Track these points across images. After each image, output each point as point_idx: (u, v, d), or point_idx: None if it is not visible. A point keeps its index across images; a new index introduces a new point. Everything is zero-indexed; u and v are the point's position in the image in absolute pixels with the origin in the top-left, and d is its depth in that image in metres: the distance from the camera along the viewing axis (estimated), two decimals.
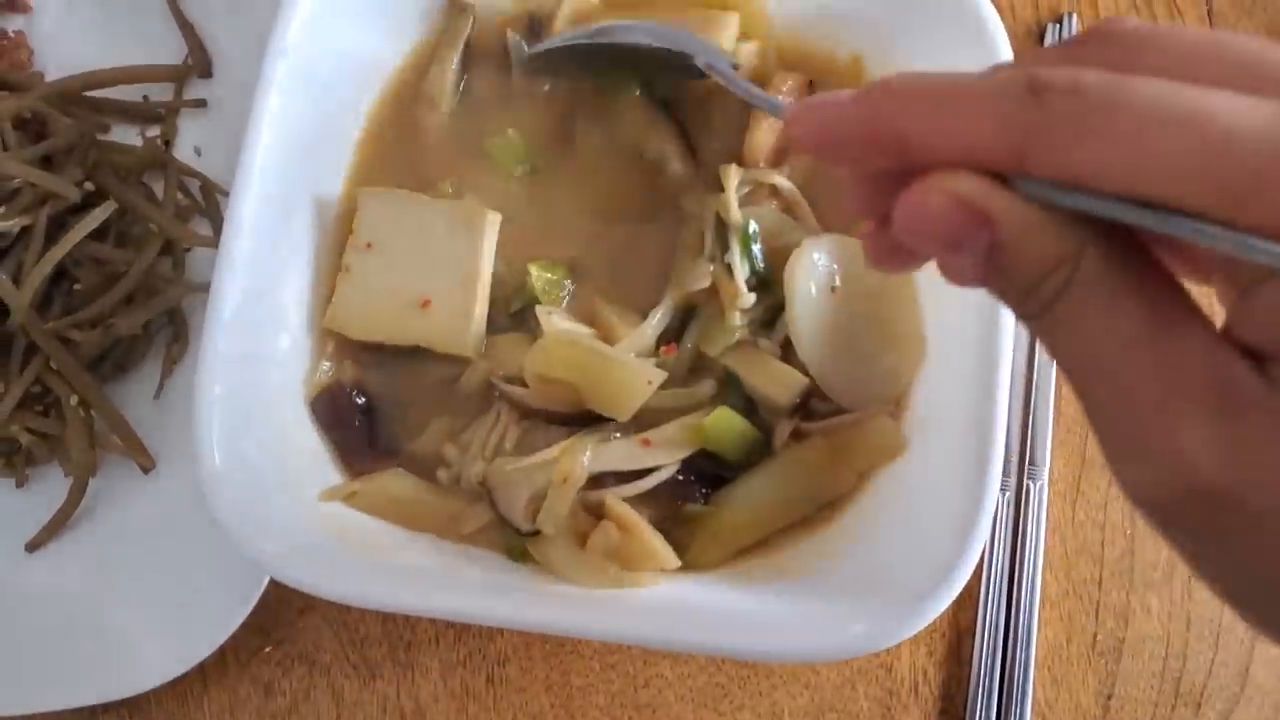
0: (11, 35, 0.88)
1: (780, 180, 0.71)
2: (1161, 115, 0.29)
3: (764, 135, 0.72)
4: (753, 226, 0.70)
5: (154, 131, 0.85)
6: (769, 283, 0.70)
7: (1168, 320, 0.31)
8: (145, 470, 0.77)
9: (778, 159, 0.73)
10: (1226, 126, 0.28)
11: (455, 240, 0.71)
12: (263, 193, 0.69)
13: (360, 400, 0.71)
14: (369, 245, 0.72)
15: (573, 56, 0.73)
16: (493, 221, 0.71)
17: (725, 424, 0.68)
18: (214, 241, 0.80)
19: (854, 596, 0.63)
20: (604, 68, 0.74)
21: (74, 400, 0.75)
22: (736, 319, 0.69)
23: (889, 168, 0.34)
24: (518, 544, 0.67)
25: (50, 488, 0.79)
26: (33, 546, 0.77)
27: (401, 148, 0.76)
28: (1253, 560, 0.31)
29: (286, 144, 0.71)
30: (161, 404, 0.80)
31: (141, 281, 0.77)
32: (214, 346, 0.66)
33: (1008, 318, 0.64)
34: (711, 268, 0.70)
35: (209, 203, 0.83)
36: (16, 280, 0.74)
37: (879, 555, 0.65)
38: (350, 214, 0.73)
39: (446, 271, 0.71)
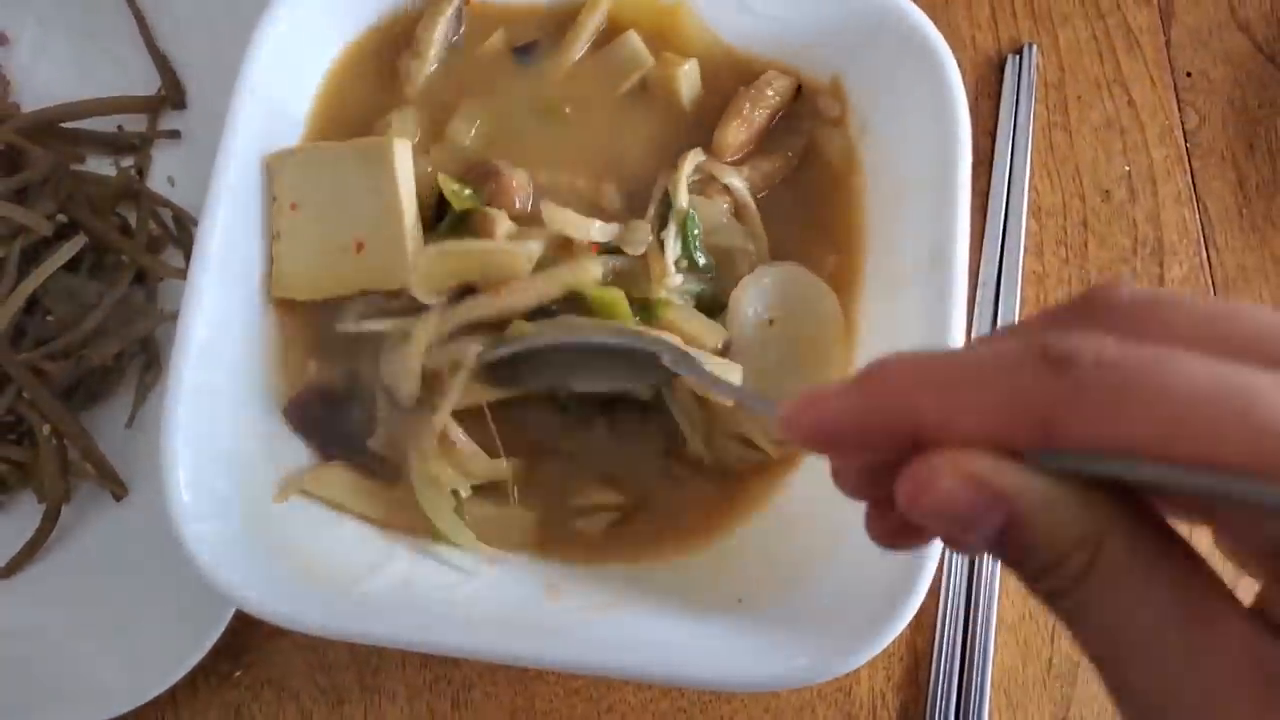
0: None
1: (735, 181, 0.73)
2: (1201, 393, 0.28)
3: (734, 132, 0.74)
4: (695, 216, 0.72)
5: (128, 162, 0.87)
6: (713, 307, 0.72)
7: (1201, 605, 0.30)
8: (118, 498, 0.79)
9: (743, 158, 0.75)
10: (1270, 404, 0.27)
11: (369, 176, 0.70)
12: (228, 225, 0.70)
13: (326, 399, 0.72)
14: (293, 206, 0.72)
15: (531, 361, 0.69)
16: (401, 147, 0.71)
17: (611, 300, 0.69)
18: (184, 273, 0.81)
19: (808, 625, 0.65)
20: (565, 372, 0.69)
21: (46, 430, 0.76)
22: (661, 294, 0.71)
23: (892, 455, 0.33)
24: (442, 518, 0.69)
25: (23, 515, 0.80)
26: (5, 573, 0.78)
27: None
28: None
29: (253, 180, 0.72)
30: (134, 432, 0.81)
31: (114, 312, 0.78)
32: (181, 378, 0.67)
33: (956, 336, 0.66)
34: (649, 240, 0.71)
35: (182, 233, 0.85)
36: None
37: (832, 584, 0.66)
38: None
39: (369, 209, 0.70)
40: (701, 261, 0.72)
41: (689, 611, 0.68)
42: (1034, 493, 0.30)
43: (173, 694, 0.75)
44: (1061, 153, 0.88)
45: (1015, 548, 0.31)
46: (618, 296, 0.70)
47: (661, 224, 0.72)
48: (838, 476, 0.37)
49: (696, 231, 0.72)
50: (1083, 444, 0.29)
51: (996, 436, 0.31)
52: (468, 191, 0.72)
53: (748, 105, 0.74)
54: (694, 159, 0.73)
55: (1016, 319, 0.82)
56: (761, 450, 0.71)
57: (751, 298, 0.71)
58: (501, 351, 0.68)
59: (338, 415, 0.73)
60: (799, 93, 0.77)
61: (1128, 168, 0.87)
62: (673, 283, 0.71)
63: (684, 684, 0.67)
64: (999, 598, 0.77)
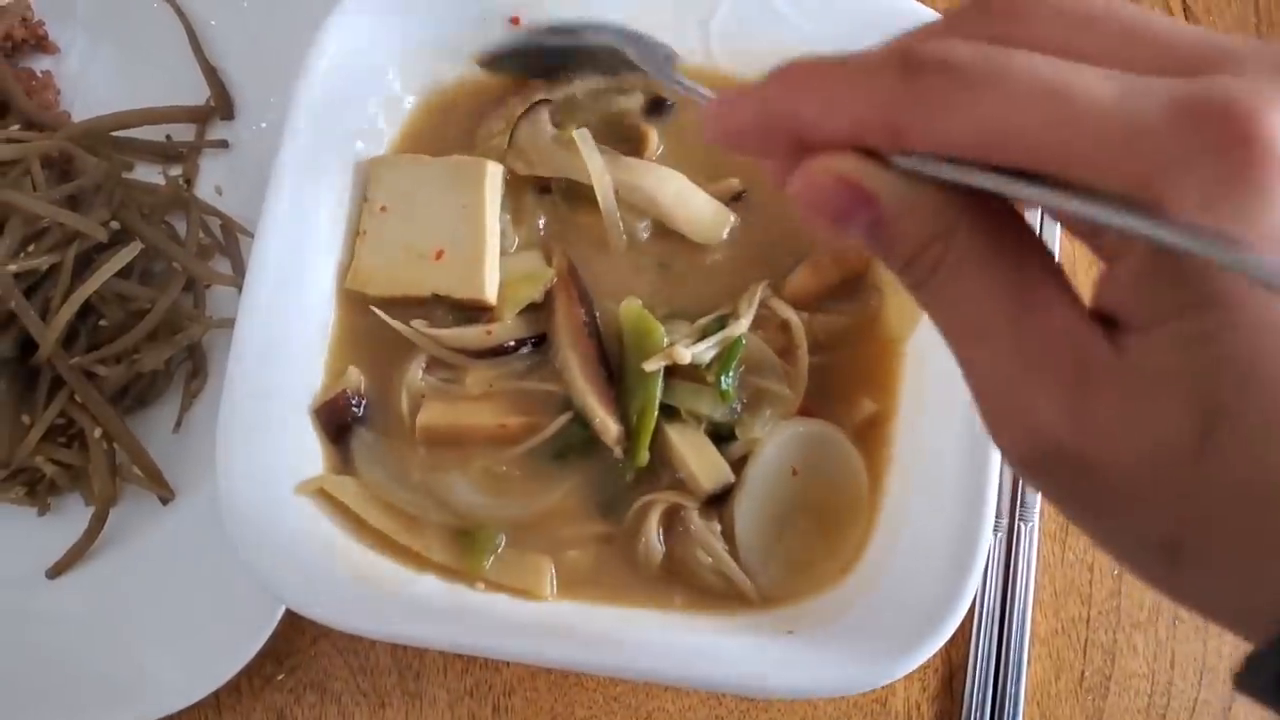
0: (39, 75, 0.90)
1: (795, 321, 0.74)
2: (1023, 90, 0.30)
3: (806, 277, 0.75)
4: (743, 343, 0.72)
5: (176, 171, 0.88)
6: (730, 434, 0.72)
7: (1035, 295, 0.33)
8: (164, 501, 0.80)
9: (810, 303, 0.75)
10: (1082, 99, 0.29)
11: (460, 192, 0.75)
12: (282, 233, 0.72)
13: (356, 405, 0.73)
14: (383, 209, 0.76)
15: (528, 59, 0.79)
16: (493, 170, 0.75)
17: (637, 318, 0.72)
18: (234, 280, 0.83)
19: (851, 637, 0.66)
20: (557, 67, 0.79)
21: (97, 433, 0.77)
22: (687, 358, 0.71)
23: (794, 152, 0.35)
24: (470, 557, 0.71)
25: (71, 517, 0.81)
26: (54, 573, 0.79)
27: None
28: (1109, 514, 0.33)
29: (305, 192, 0.73)
30: (181, 437, 0.82)
31: (164, 318, 0.79)
32: (235, 382, 0.69)
33: None
34: (691, 345, 0.72)
35: (229, 241, 0.86)
36: (44, 316, 0.76)
37: (877, 598, 0.68)
38: None
39: (455, 222, 0.75)
40: (730, 391, 0.72)
41: (734, 628, 0.69)
42: (895, 191, 0.33)
43: (216, 696, 0.76)
44: None
45: (882, 242, 0.34)
46: (655, 325, 0.72)
47: (701, 334, 0.73)
48: (773, 179, 0.38)
49: (738, 360, 0.72)
50: (925, 146, 0.32)
51: (859, 139, 0.33)
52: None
53: (826, 260, 0.75)
54: (761, 291, 0.74)
55: None
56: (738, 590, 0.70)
57: (783, 443, 0.72)
58: (502, 45, 0.78)
59: (360, 425, 0.74)
60: (872, 265, 0.77)
61: None
62: (686, 355, 0.71)
63: (724, 689, 0.69)
64: (1032, 611, 0.78)
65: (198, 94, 0.90)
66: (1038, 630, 0.78)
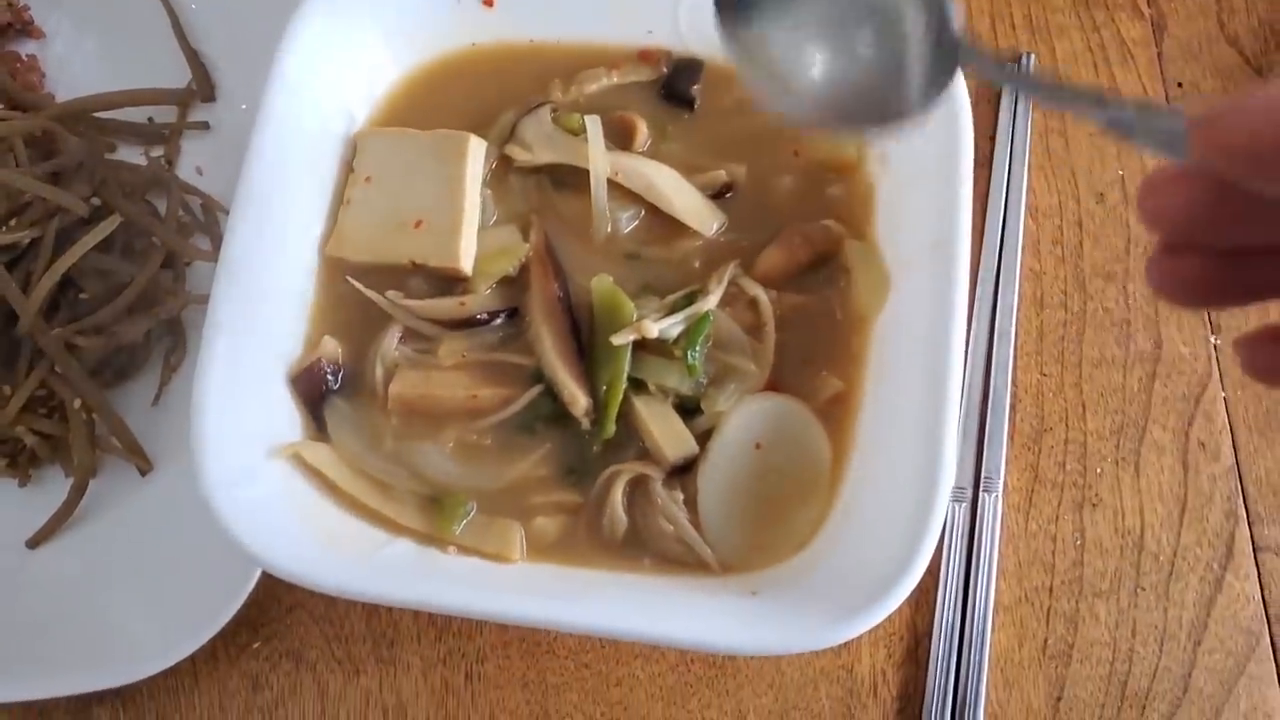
0: (24, 59, 0.92)
1: (764, 299, 0.75)
2: None
3: (776, 256, 0.77)
4: (710, 318, 0.74)
5: (158, 151, 0.90)
6: (696, 408, 0.74)
7: None
8: (143, 473, 0.81)
9: (779, 281, 0.77)
10: None
11: (443, 165, 0.77)
12: (260, 203, 0.73)
13: (332, 374, 0.75)
14: (367, 179, 0.78)
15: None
16: (475, 144, 0.78)
17: (608, 294, 0.74)
18: (213, 255, 0.84)
19: (813, 598, 0.67)
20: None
21: (77, 404, 0.79)
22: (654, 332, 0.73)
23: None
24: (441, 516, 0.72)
25: (50, 488, 0.82)
26: (34, 543, 0.80)
27: None
28: None
29: (283, 166, 0.75)
30: (159, 410, 0.84)
31: (144, 292, 0.81)
32: (212, 349, 0.70)
33: (957, 335, 0.68)
34: (659, 320, 0.73)
35: (209, 219, 0.88)
36: (25, 289, 0.78)
37: (836, 563, 0.69)
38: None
39: (436, 193, 0.77)
40: (696, 365, 0.73)
41: (698, 590, 0.70)
42: None
43: (193, 662, 0.77)
44: (1058, 157, 0.91)
45: None
46: (625, 300, 0.74)
47: (670, 310, 0.74)
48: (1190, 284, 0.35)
49: (706, 335, 0.74)
50: None
51: None
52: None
53: (798, 239, 0.77)
54: (731, 270, 0.76)
55: (1014, 312, 0.85)
56: (699, 559, 0.71)
57: (747, 417, 0.73)
58: None
59: (335, 394, 0.75)
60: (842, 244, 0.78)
61: (1121, 172, 0.91)
62: (654, 330, 0.72)
63: (689, 646, 0.70)
64: (996, 580, 0.79)
65: (180, 77, 0.92)
66: (1001, 599, 0.80)
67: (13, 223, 0.78)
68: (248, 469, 0.70)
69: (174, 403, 0.84)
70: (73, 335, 0.78)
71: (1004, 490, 0.81)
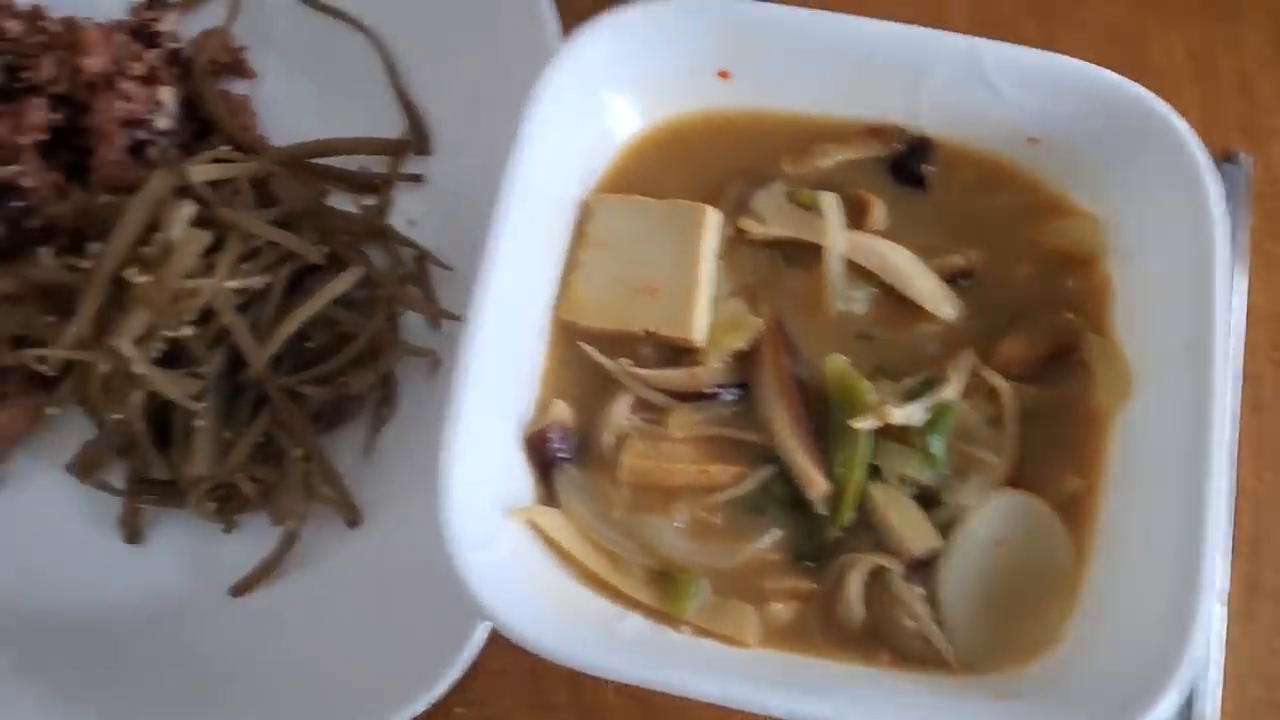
0: (237, 98, 0.92)
1: (1004, 386, 0.74)
2: None
3: (1017, 346, 0.76)
4: (953, 409, 0.73)
5: (369, 200, 0.89)
6: (934, 499, 0.72)
7: None
8: (352, 525, 0.80)
9: (1018, 372, 0.75)
10: None
11: (679, 234, 0.77)
12: (503, 265, 0.72)
13: (563, 439, 0.74)
14: (600, 244, 0.78)
15: None
16: (713, 216, 0.77)
17: (843, 375, 0.72)
18: (439, 309, 0.83)
19: (1062, 704, 0.66)
20: None
21: (298, 453, 0.78)
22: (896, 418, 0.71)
23: None
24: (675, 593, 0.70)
25: (251, 532, 0.82)
26: (238, 591, 0.79)
27: None
28: None
29: (524, 228, 0.75)
30: (366, 461, 0.83)
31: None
32: (459, 411, 0.69)
33: (1218, 441, 0.67)
34: (901, 406, 0.72)
35: (421, 272, 0.87)
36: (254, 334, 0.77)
37: (1084, 671, 0.67)
38: None
39: (671, 262, 0.76)
40: (939, 456, 0.72)
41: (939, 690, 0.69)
42: None
43: None
44: (1274, 260, 0.90)
45: None
46: (862, 381, 0.72)
47: (908, 396, 0.73)
48: None
49: (948, 425, 0.73)
50: None
51: None
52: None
53: (1038, 331, 0.76)
54: (969, 361, 0.75)
55: (1235, 418, 0.84)
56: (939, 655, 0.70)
57: (990, 513, 0.72)
58: None
59: (566, 459, 0.75)
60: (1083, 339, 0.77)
61: None
62: (898, 416, 0.71)
63: None
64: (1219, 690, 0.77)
65: (389, 125, 0.92)
66: (1223, 708, 0.78)
67: (244, 266, 0.78)
68: (487, 532, 0.69)
69: (383, 455, 0.83)
70: (300, 384, 0.78)
71: (1229, 599, 0.79)
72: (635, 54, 0.79)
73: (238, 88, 0.94)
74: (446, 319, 0.84)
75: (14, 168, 0.81)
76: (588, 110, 0.79)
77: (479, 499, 0.69)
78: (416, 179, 0.91)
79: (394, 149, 0.90)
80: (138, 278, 0.74)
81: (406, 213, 0.90)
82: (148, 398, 0.76)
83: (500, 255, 0.73)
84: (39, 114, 0.83)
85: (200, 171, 0.80)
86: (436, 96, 0.93)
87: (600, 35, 0.78)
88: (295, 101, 0.94)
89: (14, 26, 0.86)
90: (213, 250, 0.77)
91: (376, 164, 0.92)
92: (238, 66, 0.94)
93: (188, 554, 0.82)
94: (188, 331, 0.74)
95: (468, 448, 0.69)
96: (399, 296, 0.82)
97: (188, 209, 0.77)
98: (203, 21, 0.95)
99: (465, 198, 0.89)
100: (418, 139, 0.91)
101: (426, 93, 0.93)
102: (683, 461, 0.74)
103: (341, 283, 0.78)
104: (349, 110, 0.93)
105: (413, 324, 0.86)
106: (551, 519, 0.72)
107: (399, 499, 0.81)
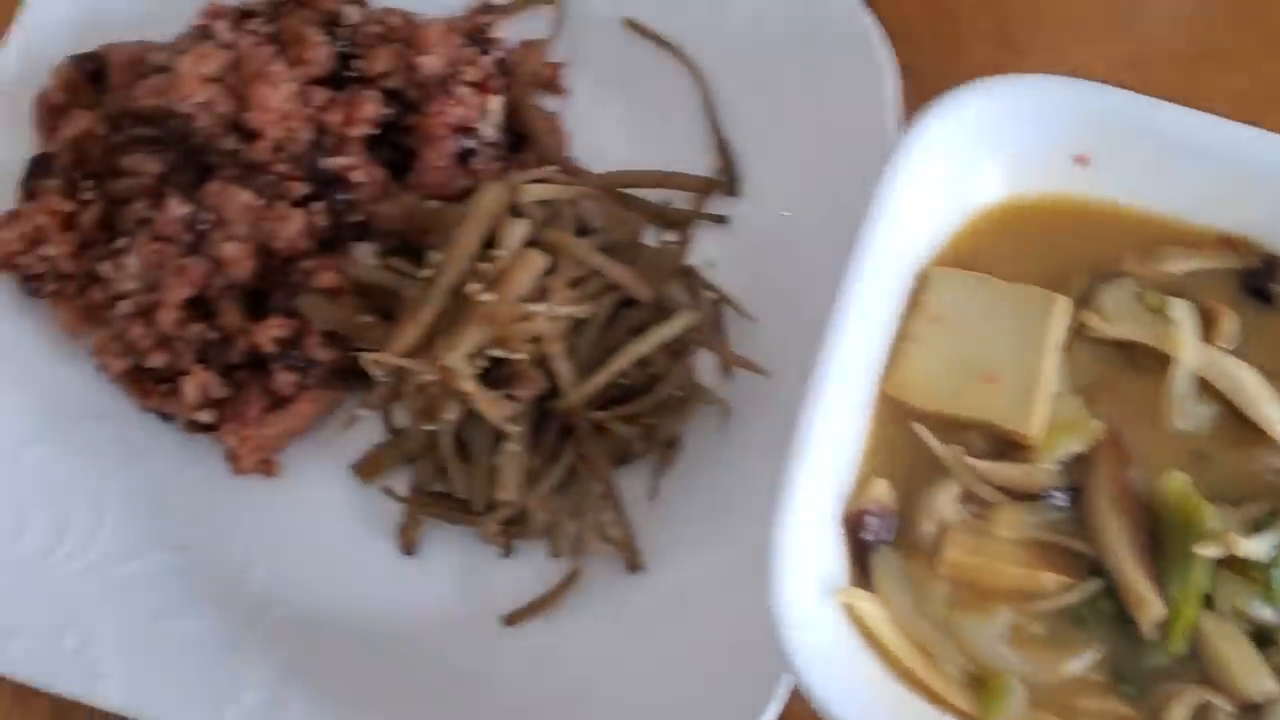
0: (547, 115, 0.91)
1: None
2: None
3: None
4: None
5: (669, 236, 0.87)
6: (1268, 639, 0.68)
7: None
8: (633, 569, 0.78)
9: None
10: None
11: (1025, 321, 0.74)
12: (851, 336, 0.71)
13: (884, 521, 0.71)
14: (936, 318, 0.74)
15: None
16: (1063, 306, 0.74)
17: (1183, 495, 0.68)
18: (746, 362, 0.81)
19: None
20: None
21: (599, 489, 0.76)
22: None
23: None
24: None
25: (525, 561, 0.80)
26: (513, 620, 0.77)
27: None
28: None
29: (869, 293, 0.72)
30: (648, 505, 0.81)
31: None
32: (792, 480, 0.67)
33: None
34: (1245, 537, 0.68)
35: (716, 318, 0.85)
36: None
37: None
38: None
39: (1014, 350, 0.73)
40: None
41: None
42: None
43: None
44: None
45: None
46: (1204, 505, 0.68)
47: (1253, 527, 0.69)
48: None
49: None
50: None
51: None
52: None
53: None
54: None
55: None
56: None
57: None
58: None
59: (885, 543, 0.72)
60: None
61: None
62: (1244, 547, 0.67)
63: None
64: None
65: (693, 160, 0.90)
66: None
67: (571, 293, 0.76)
68: (808, 613, 0.67)
69: (662, 500, 0.81)
70: (614, 421, 0.76)
71: None
72: (999, 126, 0.77)
73: (547, 104, 0.93)
74: (749, 370, 0.81)
75: (345, 159, 0.80)
76: (945, 179, 0.76)
77: (803, 579, 0.67)
78: (721, 220, 0.88)
79: (707, 187, 0.88)
80: (482, 295, 0.72)
81: (703, 253, 0.88)
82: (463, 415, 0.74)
83: (847, 327, 0.71)
84: (373, 107, 0.82)
85: (532, 190, 0.79)
86: (750, 138, 0.90)
87: (969, 102, 0.76)
88: (602, 125, 0.92)
89: (353, 13, 0.86)
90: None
91: (677, 199, 0.89)
92: (552, 82, 0.92)
93: (460, 571, 0.80)
94: (522, 355, 0.73)
95: (795, 526, 0.67)
96: (710, 343, 0.80)
97: (522, 227, 0.76)
98: (519, 31, 0.94)
99: (770, 247, 0.86)
100: (729, 179, 0.88)
101: (740, 132, 0.90)
102: (1010, 563, 0.70)
103: (672, 327, 0.76)
104: (655, 140, 0.91)
105: (700, 368, 0.84)
106: (870, 605, 0.69)
107: (680, 547, 0.79)
